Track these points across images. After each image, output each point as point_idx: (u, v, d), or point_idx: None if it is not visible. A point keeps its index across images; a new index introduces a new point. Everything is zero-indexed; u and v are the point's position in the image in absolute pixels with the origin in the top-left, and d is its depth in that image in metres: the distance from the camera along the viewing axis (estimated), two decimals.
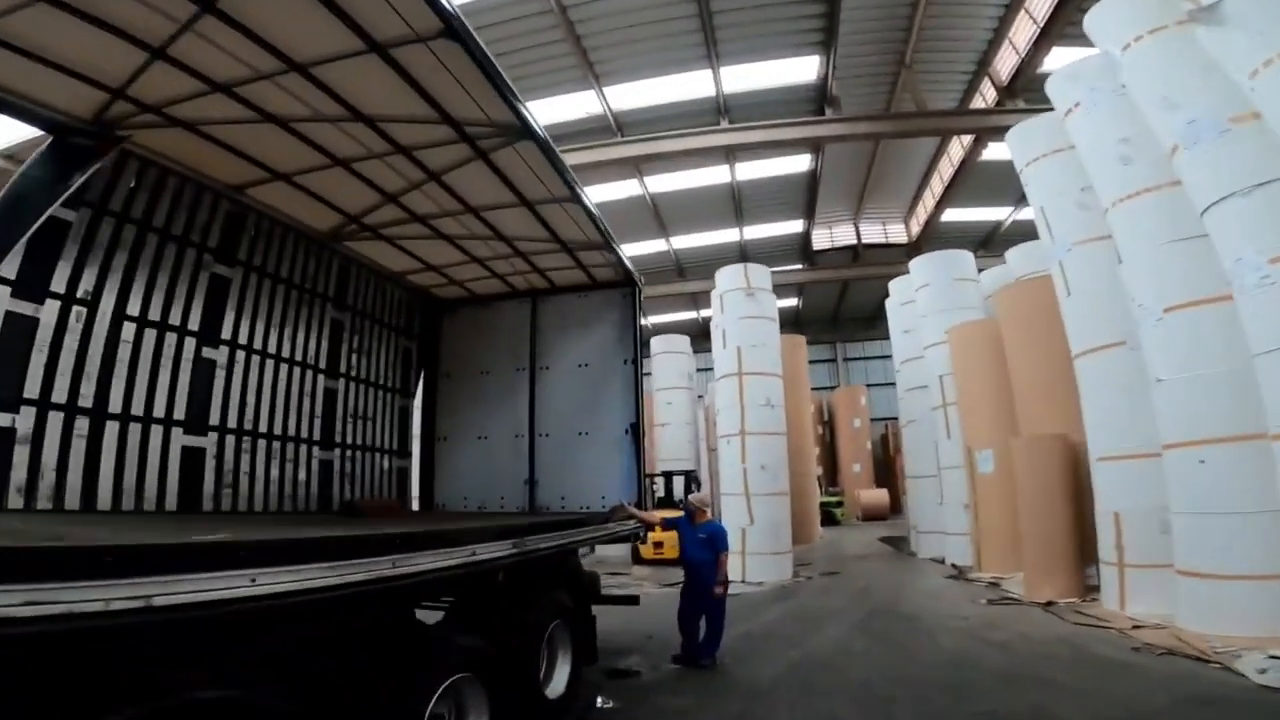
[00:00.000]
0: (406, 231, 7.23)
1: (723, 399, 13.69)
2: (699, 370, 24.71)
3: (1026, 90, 17.26)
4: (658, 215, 24.65)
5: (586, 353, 8.36)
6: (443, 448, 8.63)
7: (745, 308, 13.79)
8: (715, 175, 22.63)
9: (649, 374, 21.62)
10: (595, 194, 21.54)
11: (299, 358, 6.73)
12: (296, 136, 5.36)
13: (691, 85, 17.44)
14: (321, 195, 6.33)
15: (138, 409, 5.04)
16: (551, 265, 8.17)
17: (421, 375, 8.82)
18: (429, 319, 8.90)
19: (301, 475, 6.53)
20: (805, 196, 25.22)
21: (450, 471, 8.52)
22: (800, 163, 22.82)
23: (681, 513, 7.73)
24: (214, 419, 5.74)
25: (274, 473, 6.22)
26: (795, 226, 27.91)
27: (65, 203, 4.48)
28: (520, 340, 8.61)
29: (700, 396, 24.31)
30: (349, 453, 7.27)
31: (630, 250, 26.25)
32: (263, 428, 6.18)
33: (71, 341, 4.61)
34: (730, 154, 20.80)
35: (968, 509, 12.14)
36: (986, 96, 19.41)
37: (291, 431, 6.52)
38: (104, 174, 4.77)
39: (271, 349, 6.45)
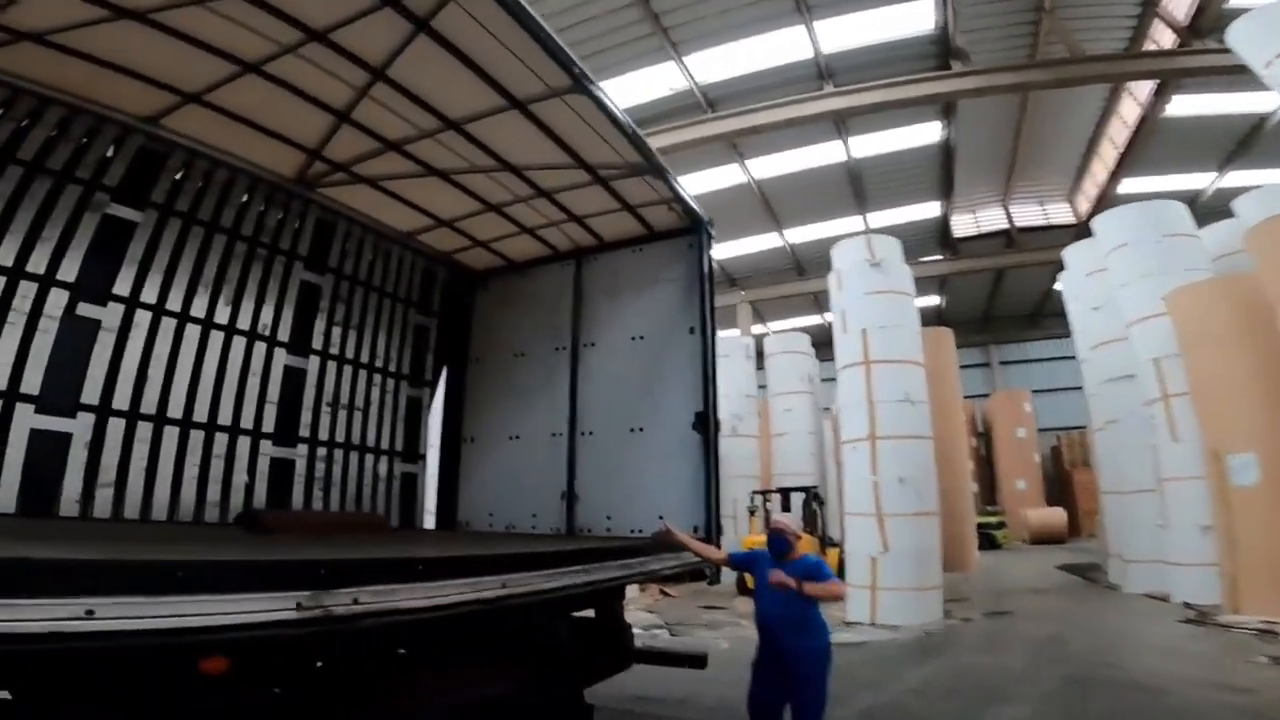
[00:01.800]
0: (415, 182, 5.68)
1: (846, 394, 10.96)
2: (824, 380, 21.77)
3: (1214, 30, 13.24)
4: (767, 204, 22.15)
5: (641, 322, 6.29)
6: (469, 451, 6.84)
7: (870, 280, 11.07)
8: (827, 153, 19.81)
9: (763, 386, 19.08)
10: (694, 182, 19.55)
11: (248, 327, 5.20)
12: None
13: (783, 46, 15.23)
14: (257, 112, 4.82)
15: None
16: (596, 211, 6.20)
17: (445, 364, 7.09)
18: (455, 293, 7.23)
19: (238, 478, 4.92)
20: (939, 174, 21.67)
21: (477, 482, 6.71)
22: (928, 132, 19.44)
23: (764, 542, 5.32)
24: (89, 396, 4.26)
25: (182, 471, 4.65)
26: (930, 210, 24.23)
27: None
28: (562, 313, 6.70)
29: (827, 409, 21.37)
30: (321, 451, 5.60)
31: (739, 246, 23.88)
32: (171, 411, 4.63)
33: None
34: (841, 124, 18.01)
35: (1211, 532, 8.75)
36: (1160, 41, 15.34)
37: (226, 421, 4.95)
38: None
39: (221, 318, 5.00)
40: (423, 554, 2.91)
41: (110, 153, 4.50)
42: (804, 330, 26.27)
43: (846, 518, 10.88)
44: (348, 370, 5.98)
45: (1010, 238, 25.53)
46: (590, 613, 4.27)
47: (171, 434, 4.64)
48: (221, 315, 5.03)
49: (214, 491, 4.82)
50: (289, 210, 5.62)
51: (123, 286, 4.50)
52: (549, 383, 6.64)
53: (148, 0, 3.76)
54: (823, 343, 23.08)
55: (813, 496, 13.80)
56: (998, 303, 31.52)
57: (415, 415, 6.64)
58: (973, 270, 26.30)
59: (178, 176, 4.89)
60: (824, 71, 16.05)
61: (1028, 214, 25.59)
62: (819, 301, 27.93)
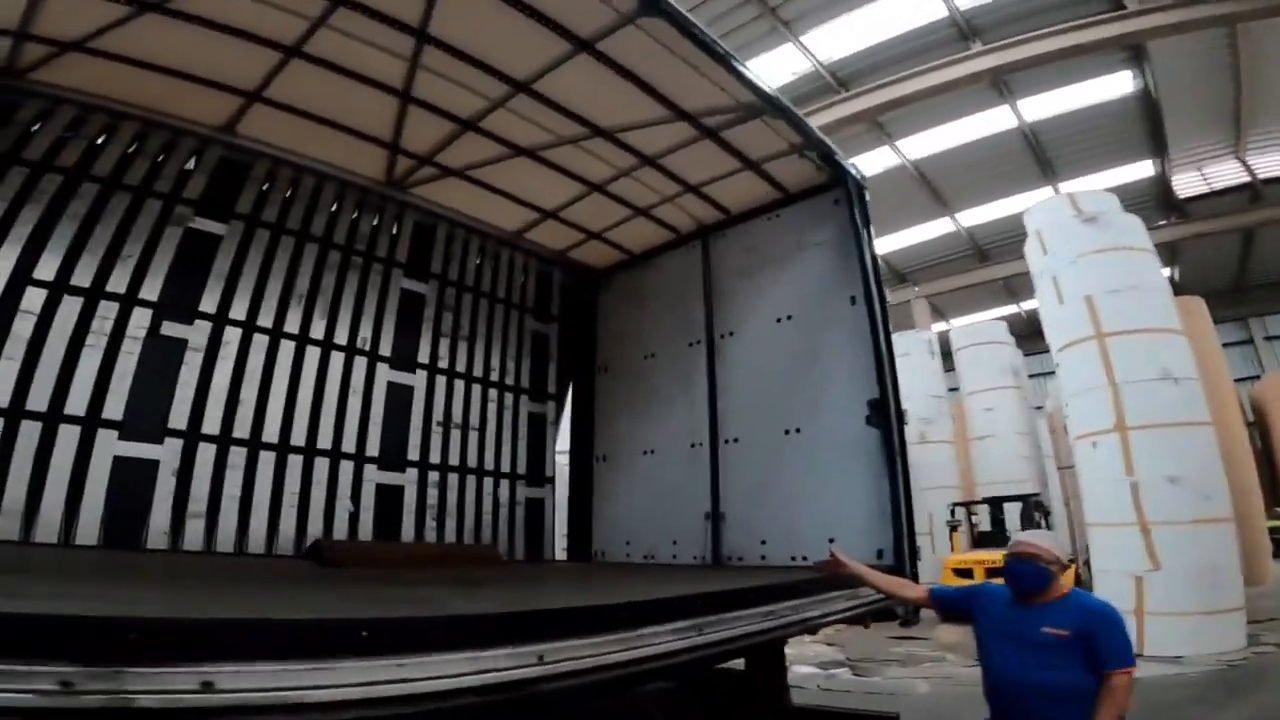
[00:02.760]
0: (503, 167, 5.06)
1: (1073, 379, 8.67)
2: (1031, 376, 18.58)
3: None
4: (929, 186, 19.59)
5: (787, 300, 5.16)
6: (603, 472, 5.99)
7: (1084, 239, 8.83)
8: (993, 120, 17.02)
9: (953, 389, 16.53)
10: (944, 140, 17.33)
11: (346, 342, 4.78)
12: None
13: (910, 9, 13.37)
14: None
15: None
16: (715, 175, 5.21)
17: (570, 374, 6.36)
18: (575, 295, 6.52)
19: (341, 506, 4.43)
20: (1143, 128, 17.81)
21: (612, 505, 5.84)
22: (1117, 83, 16.05)
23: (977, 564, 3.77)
24: (177, 420, 3.93)
25: (280, 500, 4.22)
26: (1140, 171, 20.09)
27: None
28: (691, 302, 5.75)
29: (1039, 407, 18.19)
30: (433, 476, 5.01)
31: (904, 238, 21.32)
32: (265, 435, 4.24)
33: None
34: (1002, 85, 15.38)
35: None
36: None
37: (326, 444, 4.49)
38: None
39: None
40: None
41: (190, 165, 4.31)
42: (995, 322, 22.90)
43: (1088, 529, 8.55)
44: (459, 385, 5.40)
45: (1255, 191, 20.55)
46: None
47: (267, 459, 4.26)
48: (316, 330, 4.65)
49: (315, 522, 4.35)
50: (383, 214, 5.23)
51: (209, 303, 4.23)
52: (685, 385, 5.63)
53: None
54: (1022, 335, 19.86)
55: (1034, 506, 11.27)
56: (1252, 268, 25.46)
57: (539, 433, 5.91)
58: (1211, 233, 21.41)
59: (263, 187, 4.62)
60: (966, 30, 13.82)
61: (1271, 164, 20.45)
62: (1010, 289, 24.29)
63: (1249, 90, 16.83)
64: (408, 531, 4.77)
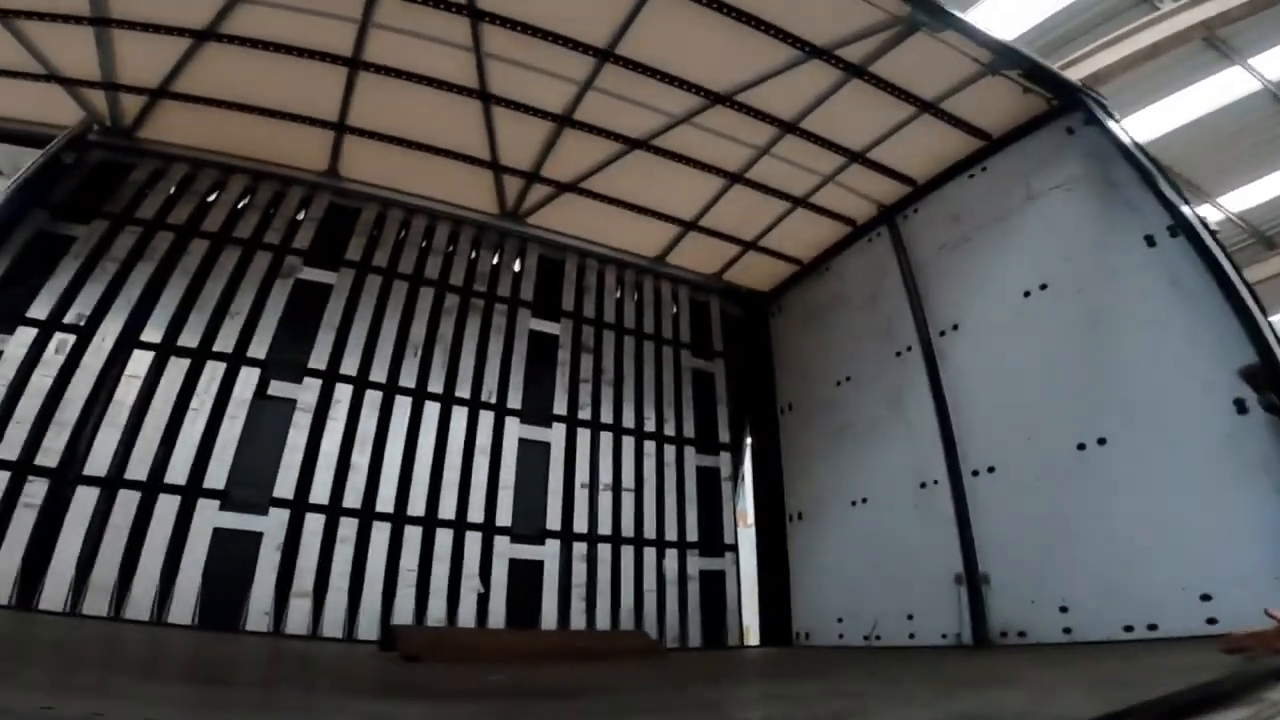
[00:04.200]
0: (620, 171, 4.34)
1: None
2: None
3: None
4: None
5: (1032, 267, 3.75)
6: (799, 532, 4.61)
7: None
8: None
9: None
10: (1170, 117, 14.52)
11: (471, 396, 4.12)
12: None
13: None
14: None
15: None
16: (882, 132, 4.16)
17: (746, 418, 5.18)
18: (741, 325, 5.46)
19: (468, 584, 3.56)
20: None
21: (814, 574, 4.44)
22: None
23: None
24: (283, 489, 3.38)
25: (395, 577, 3.44)
26: None
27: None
28: (890, 303, 4.43)
29: None
30: (581, 549, 3.99)
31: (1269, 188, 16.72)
32: (380, 504, 3.58)
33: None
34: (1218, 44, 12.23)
35: None
36: None
37: (449, 514, 3.71)
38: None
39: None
40: None
41: (299, 215, 4.07)
42: None
43: None
44: (606, 439, 4.45)
45: None
46: None
47: (381, 530, 3.55)
48: (435, 383, 4.02)
49: (435, 604, 3.49)
50: (502, 250, 4.68)
51: (318, 359, 3.78)
52: (898, 408, 4.24)
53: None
54: None
55: None
56: None
57: (712, 491, 4.70)
58: None
59: (372, 232, 4.28)
60: None
61: None
62: None
63: None
64: (549, 616, 3.74)
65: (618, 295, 4.99)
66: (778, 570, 4.54)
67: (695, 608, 4.22)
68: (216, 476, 3.31)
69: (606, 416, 4.52)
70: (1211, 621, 2.50)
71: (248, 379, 3.56)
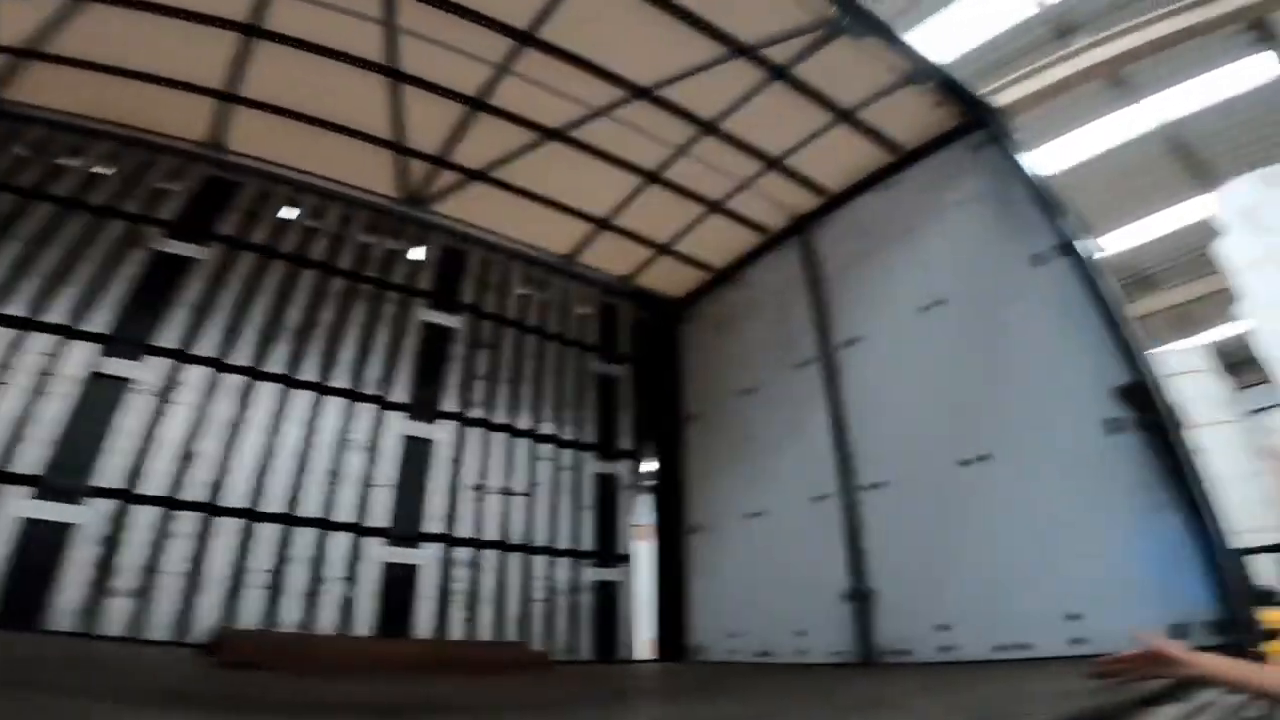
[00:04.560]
0: (533, 162, 4.11)
1: None
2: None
3: None
4: (1190, 159, 16.60)
5: (931, 281, 3.80)
6: (697, 545, 4.49)
7: None
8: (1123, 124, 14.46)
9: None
10: (1083, 151, 14.74)
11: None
12: None
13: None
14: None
15: None
16: (800, 139, 4.10)
17: (650, 427, 5.03)
18: (651, 331, 5.31)
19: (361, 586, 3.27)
20: None
21: (710, 588, 4.34)
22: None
23: None
24: (109, 478, 2.98)
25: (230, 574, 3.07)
26: None
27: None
28: (795, 314, 4.38)
29: None
30: (462, 553, 3.74)
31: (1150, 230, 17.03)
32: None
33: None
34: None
35: None
36: None
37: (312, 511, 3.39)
38: None
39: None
40: None
41: (170, 185, 3.66)
42: None
43: None
44: (498, 440, 4.21)
45: None
46: None
47: (228, 526, 3.20)
48: (308, 371, 3.68)
49: (290, 609, 3.16)
50: (400, 236, 4.37)
51: (169, 337, 3.38)
52: (796, 421, 4.17)
53: None
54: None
55: None
56: None
57: (609, 499, 4.52)
58: None
59: (252, 208, 3.91)
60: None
61: None
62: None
63: None
64: (426, 625, 3.45)
65: (522, 291, 4.78)
66: (674, 583, 4.41)
67: (587, 619, 4.02)
68: (29, 461, 2.89)
69: (500, 417, 4.28)
70: (1077, 641, 2.51)
71: (80, 354, 3.14)
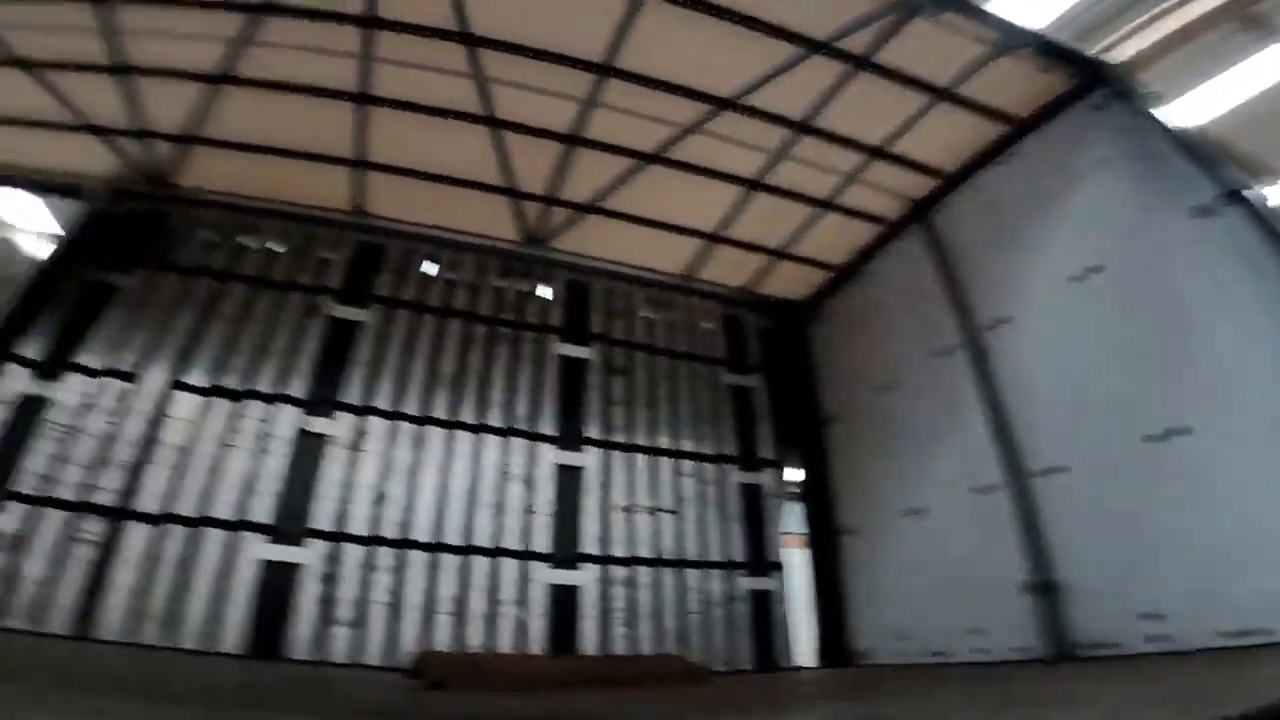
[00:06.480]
0: (636, 190, 4.30)
1: None
2: None
3: None
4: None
5: (1082, 247, 3.54)
6: (854, 548, 4.39)
7: None
8: None
9: None
10: (1235, 96, 13.67)
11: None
12: None
13: None
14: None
15: None
16: (901, 124, 4.01)
17: (790, 434, 5.00)
18: (779, 336, 5.29)
19: (530, 610, 3.59)
20: None
21: (870, 590, 4.21)
22: None
23: None
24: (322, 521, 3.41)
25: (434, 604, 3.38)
26: None
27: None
28: (931, 301, 4.23)
29: None
30: (619, 572, 3.88)
31: None
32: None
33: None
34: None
35: None
36: None
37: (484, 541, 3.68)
38: None
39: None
40: None
41: (330, 254, 4.18)
42: None
43: None
44: (642, 461, 4.36)
45: None
46: None
47: (418, 559, 3.56)
48: (466, 413, 4.06)
49: (474, 631, 3.43)
50: (528, 277, 4.68)
51: (352, 395, 3.85)
52: (950, 411, 4.00)
53: None
54: None
55: None
56: None
57: (755, 509, 4.52)
58: None
59: (399, 267, 4.38)
60: None
61: None
62: None
63: None
64: (590, 641, 3.64)
65: (647, 314, 4.94)
66: (832, 587, 4.31)
67: (745, 630, 4.04)
68: (261, 510, 3.39)
69: (641, 438, 4.43)
70: None
71: (287, 416, 3.65)
